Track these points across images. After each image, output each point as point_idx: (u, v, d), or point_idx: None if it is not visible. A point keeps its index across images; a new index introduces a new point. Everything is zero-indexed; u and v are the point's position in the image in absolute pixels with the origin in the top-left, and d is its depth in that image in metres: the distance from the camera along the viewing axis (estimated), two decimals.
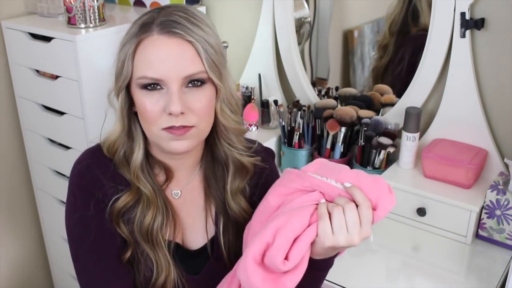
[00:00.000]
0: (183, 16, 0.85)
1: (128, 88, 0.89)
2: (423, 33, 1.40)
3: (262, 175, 1.01)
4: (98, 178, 0.91)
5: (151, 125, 0.86)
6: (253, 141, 1.02)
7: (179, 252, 0.95)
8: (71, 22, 1.59)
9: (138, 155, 0.92)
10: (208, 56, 0.84)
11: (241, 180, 0.98)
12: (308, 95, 1.66)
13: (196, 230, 0.98)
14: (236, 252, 0.98)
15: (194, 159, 0.97)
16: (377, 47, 1.60)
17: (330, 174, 0.81)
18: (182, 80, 0.83)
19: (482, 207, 1.26)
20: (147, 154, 0.94)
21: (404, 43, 1.55)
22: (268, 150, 1.05)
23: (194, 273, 0.96)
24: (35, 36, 1.67)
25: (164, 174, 0.96)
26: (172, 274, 0.92)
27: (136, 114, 0.91)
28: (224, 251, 0.97)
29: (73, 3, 1.56)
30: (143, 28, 0.85)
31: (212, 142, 0.96)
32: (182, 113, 0.83)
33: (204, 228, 0.98)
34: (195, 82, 0.85)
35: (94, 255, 0.90)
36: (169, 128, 0.85)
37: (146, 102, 0.85)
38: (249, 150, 0.98)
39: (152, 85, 0.84)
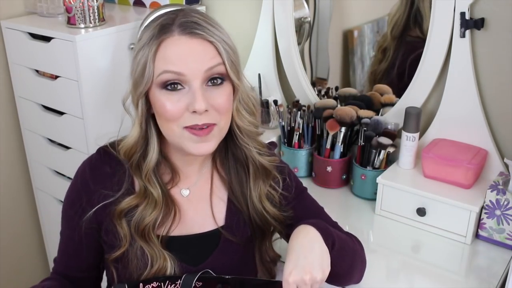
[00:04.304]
0: (202, 18, 0.87)
1: (146, 92, 0.89)
2: (424, 39, 1.40)
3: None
4: (87, 184, 0.96)
5: (172, 124, 0.87)
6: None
7: (180, 244, 0.97)
8: (70, 22, 1.59)
9: (152, 157, 0.93)
10: (228, 56, 0.86)
11: (264, 182, 1.00)
12: (308, 95, 1.66)
13: (204, 224, 1.00)
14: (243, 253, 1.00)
15: (205, 156, 0.99)
16: (377, 49, 1.59)
17: None
18: (203, 75, 0.85)
19: (482, 207, 1.26)
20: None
21: (405, 48, 1.54)
22: (270, 144, 1.09)
23: (196, 265, 0.97)
24: (34, 36, 1.67)
25: (170, 174, 0.98)
26: (168, 269, 0.93)
27: (152, 116, 0.92)
28: (234, 239, 0.99)
29: (72, 3, 1.56)
30: (163, 30, 0.86)
31: (230, 141, 0.98)
32: (206, 110, 0.85)
33: (213, 221, 0.99)
34: (215, 80, 0.87)
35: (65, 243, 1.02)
36: (192, 128, 0.86)
37: (166, 101, 0.86)
38: (264, 149, 1.01)
39: (173, 85, 0.85)
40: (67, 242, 1.01)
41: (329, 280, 0.88)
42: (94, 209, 0.94)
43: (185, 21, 0.85)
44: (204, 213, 1.00)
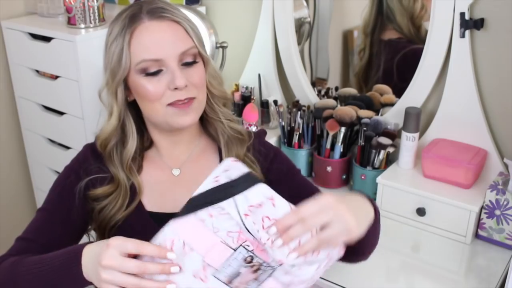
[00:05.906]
0: (165, 3, 0.94)
1: (124, 80, 0.94)
2: (401, 39, 1.42)
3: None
4: (87, 157, 1.00)
5: (155, 103, 0.92)
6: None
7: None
8: (71, 22, 1.59)
9: (132, 145, 0.98)
10: (195, 33, 0.94)
11: (239, 147, 1.02)
12: (307, 95, 1.66)
13: None
14: None
15: (190, 135, 1.03)
16: (358, 51, 1.61)
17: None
18: (178, 57, 0.91)
19: (482, 207, 1.26)
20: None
21: (380, 47, 1.56)
22: (259, 131, 1.11)
23: None
24: (35, 36, 1.67)
25: (158, 155, 1.02)
26: None
27: (129, 104, 0.97)
28: None
29: (73, 3, 1.56)
30: (133, 19, 0.91)
31: (205, 121, 1.03)
32: (186, 86, 0.90)
33: None
34: (189, 62, 0.92)
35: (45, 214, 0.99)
36: (174, 104, 0.91)
37: (147, 84, 0.91)
38: (234, 118, 1.06)
39: (153, 72, 0.90)
40: (48, 215, 0.98)
41: (346, 254, 0.81)
42: (87, 179, 0.97)
43: (152, 7, 0.92)
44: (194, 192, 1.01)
